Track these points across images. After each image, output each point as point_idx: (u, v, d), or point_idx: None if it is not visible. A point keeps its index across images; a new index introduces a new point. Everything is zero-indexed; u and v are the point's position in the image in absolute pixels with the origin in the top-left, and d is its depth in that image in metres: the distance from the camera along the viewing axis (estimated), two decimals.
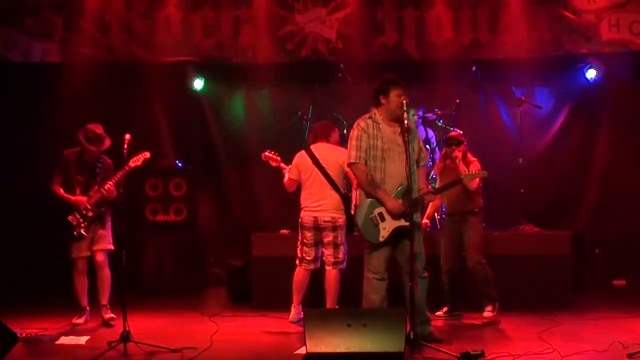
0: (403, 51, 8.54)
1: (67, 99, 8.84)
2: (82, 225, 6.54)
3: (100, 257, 6.65)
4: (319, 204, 6.56)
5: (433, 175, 7.59)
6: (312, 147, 6.75)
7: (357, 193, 5.80)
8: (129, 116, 8.49)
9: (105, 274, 6.65)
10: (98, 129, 6.59)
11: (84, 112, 8.47)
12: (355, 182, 5.91)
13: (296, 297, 6.69)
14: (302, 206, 6.68)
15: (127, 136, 5.97)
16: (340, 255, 6.54)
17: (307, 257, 6.62)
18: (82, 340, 6.02)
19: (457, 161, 6.56)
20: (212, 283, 8.93)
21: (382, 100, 5.73)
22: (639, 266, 8.51)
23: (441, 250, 6.83)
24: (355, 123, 5.79)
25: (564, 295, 7.28)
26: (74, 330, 6.37)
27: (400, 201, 5.57)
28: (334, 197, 6.56)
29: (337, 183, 6.59)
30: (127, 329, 5.58)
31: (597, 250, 8.60)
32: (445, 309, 6.84)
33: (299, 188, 6.82)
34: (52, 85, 8.81)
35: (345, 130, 8.30)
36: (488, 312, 6.62)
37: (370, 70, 8.92)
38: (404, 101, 5.59)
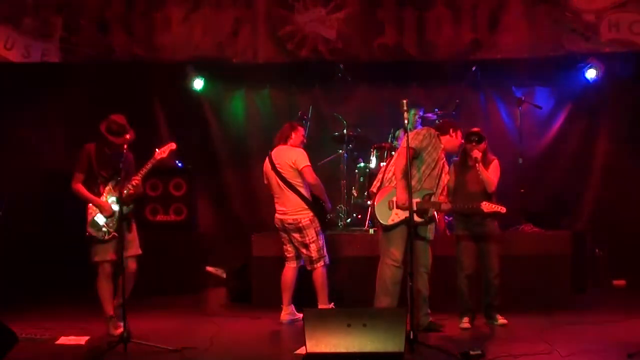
0: (403, 51, 8.53)
1: (67, 99, 8.85)
2: (110, 224, 6.15)
3: (133, 265, 6.24)
4: (282, 208, 6.70)
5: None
6: (273, 151, 6.79)
7: (378, 184, 6.26)
8: (129, 116, 8.47)
9: (133, 283, 6.25)
10: (121, 119, 6.24)
11: (83, 112, 8.50)
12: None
13: (284, 296, 6.76)
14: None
15: (127, 136, 5.94)
16: (313, 254, 6.59)
17: (287, 255, 6.80)
18: (82, 340, 6.02)
19: (478, 165, 6.31)
20: (212, 283, 8.93)
21: (452, 133, 6.34)
22: (639, 266, 8.52)
23: (460, 253, 6.47)
24: (427, 128, 6.35)
25: (564, 295, 7.28)
26: (74, 331, 6.30)
27: (409, 198, 5.85)
28: (293, 199, 6.62)
29: (294, 184, 6.62)
30: (127, 329, 5.58)
31: (597, 250, 8.60)
32: (467, 319, 6.45)
33: None
34: (52, 85, 8.81)
35: (345, 130, 8.32)
36: (502, 320, 6.51)
37: (370, 70, 8.94)
38: (404, 101, 5.67)
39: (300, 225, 6.60)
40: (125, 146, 5.94)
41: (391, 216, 6.04)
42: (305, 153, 6.72)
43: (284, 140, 6.78)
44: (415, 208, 5.83)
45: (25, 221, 8.65)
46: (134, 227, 6.35)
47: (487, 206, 6.05)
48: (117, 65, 8.67)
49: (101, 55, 8.66)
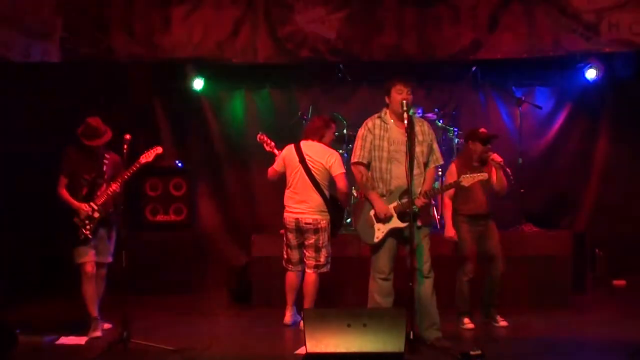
0: (403, 51, 8.51)
1: (67, 99, 8.84)
2: (88, 227, 6.18)
3: (103, 271, 6.35)
4: (300, 206, 6.47)
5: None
6: (302, 143, 6.59)
7: (356, 194, 5.87)
8: (129, 116, 8.49)
9: (102, 288, 6.39)
10: (96, 122, 6.26)
11: (83, 113, 8.49)
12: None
13: (288, 299, 6.64)
14: (284, 205, 6.58)
15: (127, 136, 5.91)
16: (322, 259, 6.46)
17: (292, 259, 6.58)
18: (82, 340, 6.02)
19: (498, 169, 6.31)
20: (212, 283, 8.93)
21: (387, 100, 5.77)
22: (639, 266, 8.52)
23: (464, 256, 6.40)
24: (364, 122, 5.85)
25: (564, 295, 7.28)
26: (74, 331, 6.27)
27: (386, 205, 5.63)
28: (316, 199, 6.44)
29: (321, 185, 6.46)
30: (127, 328, 5.58)
31: (597, 250, 8.60)
32: (467, 319, 6.41)
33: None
34: (52, 85, 8.80)
35: (345, 130, 8.32)
36: (503, 321, 6.47)
37: (370, 70, 8.94)
38: (404, 100, 5.60)
39: (319, 226, 6.42)
40: (127, 147, 5.92)
41: (375, 233, 5.68)
42: (340, 157, 6.59)
43: (318, 137, 6.59)
44: (394, 213, 5.62)
45: (24, 221, 8.64)
46: (113, 234, 6.38)
47: (467, 179, 5.73)
48: (117, 65, 8.67)
49: (101, 55, 8.65)
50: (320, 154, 6.51)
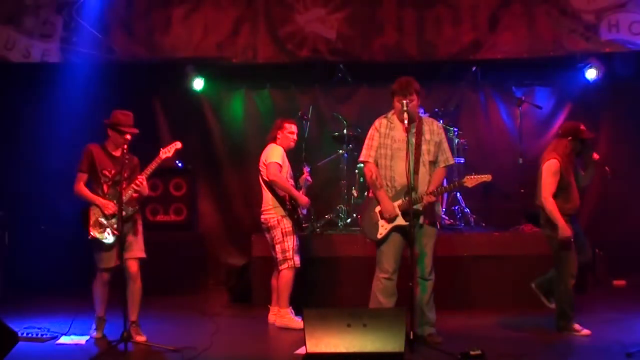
0: (403, 51, 8.52)
1: (67, 99, 8.84)
2: (116, 226, 5.94)
3: (134, 267, 6.06)
4: (261, 207, 6.74)
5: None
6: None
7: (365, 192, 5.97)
8: None
9: (138, 286, 6.09)
10: (126, 112, 6.16)
11: (84, 113, 8.50)
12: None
13: (272, 297, 6.83)
14: None
15: (127, 136, 5.91)
16: (279, 255, 6.58)
17: (273, 257, 6.79)
18: (82, 340, 6.02)
19: (597, 167, 6.33)
20: (212, 283, 8.94)
21: (393, 103, 5.83)
22: (639, 266, 8.51)
23: (573, 254, 6.12)
24: (373, 122, 5.95)
25: None
26: (74, 330, 6.29)
27: (393, 205, 5.69)
28: (266, 197, 6.69)
29: (269, 183, 6.65)
30: (127, 328, 5.58)
31: (597, 250, 8.60)
32: (578, 325, 6.10)
33: None
34: (52, 85, 8.80)
35: (345, 130, 8.33)
36: (585, 330, 6.12)
37: (370, 70, 8.94)
38: (404, 101, 5.63)
39: (269, 224, 6.63)
40: (126, 147, 5.88)
41: (379, 230, 5.76)
42: (280, 150, 6.65)
43: (272, 139, 6.77)
44: (399, 212, 5.67)
45: (25, 220, 8.65)
46: (140, 229, 6.20)
47: (470, 180, 5.68)
48: (117, 65, 8.67)
49: (101, 55, 8.66)
50: (264, 153, 6.72)
